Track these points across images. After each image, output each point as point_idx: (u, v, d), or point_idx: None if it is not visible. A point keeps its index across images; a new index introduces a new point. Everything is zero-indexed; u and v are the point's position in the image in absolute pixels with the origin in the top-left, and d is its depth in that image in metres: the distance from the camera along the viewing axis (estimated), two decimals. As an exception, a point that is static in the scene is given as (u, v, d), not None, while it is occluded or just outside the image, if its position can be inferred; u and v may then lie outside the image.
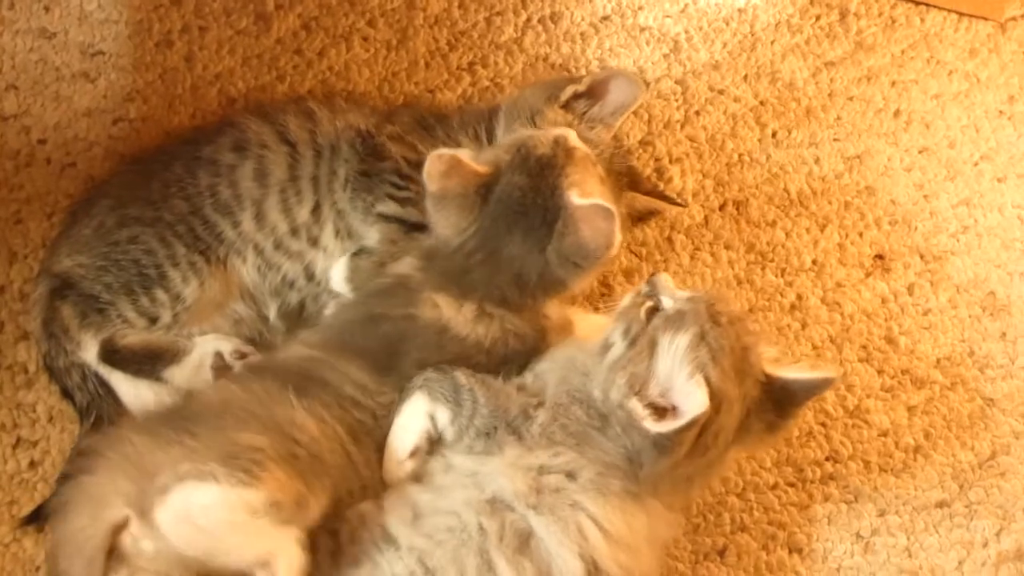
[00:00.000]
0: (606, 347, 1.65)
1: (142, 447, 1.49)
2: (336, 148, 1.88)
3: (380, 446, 1.65)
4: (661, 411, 1.57)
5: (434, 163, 1.71)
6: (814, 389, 1.68)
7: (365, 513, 1.60)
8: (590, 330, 1.79)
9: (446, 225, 1.75)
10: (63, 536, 1.50)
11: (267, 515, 1.45)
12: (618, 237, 1.67)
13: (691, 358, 1.56)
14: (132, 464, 1.48)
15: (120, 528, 1.45)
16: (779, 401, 1.64)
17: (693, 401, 1.53)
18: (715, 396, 1.54)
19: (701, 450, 1.59)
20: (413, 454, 1.65)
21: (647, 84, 2.10)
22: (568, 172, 1.71)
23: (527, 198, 1.69)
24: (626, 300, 1.69)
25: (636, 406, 1.56)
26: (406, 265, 1.79)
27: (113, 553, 1.47)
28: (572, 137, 1.74)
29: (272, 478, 1.47)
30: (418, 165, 1.80)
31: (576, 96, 1.87)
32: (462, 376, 1.66)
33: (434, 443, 1.67)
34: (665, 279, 1.67)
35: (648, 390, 1.58)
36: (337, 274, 1.84)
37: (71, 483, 1.57)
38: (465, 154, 1.71)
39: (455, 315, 1.71)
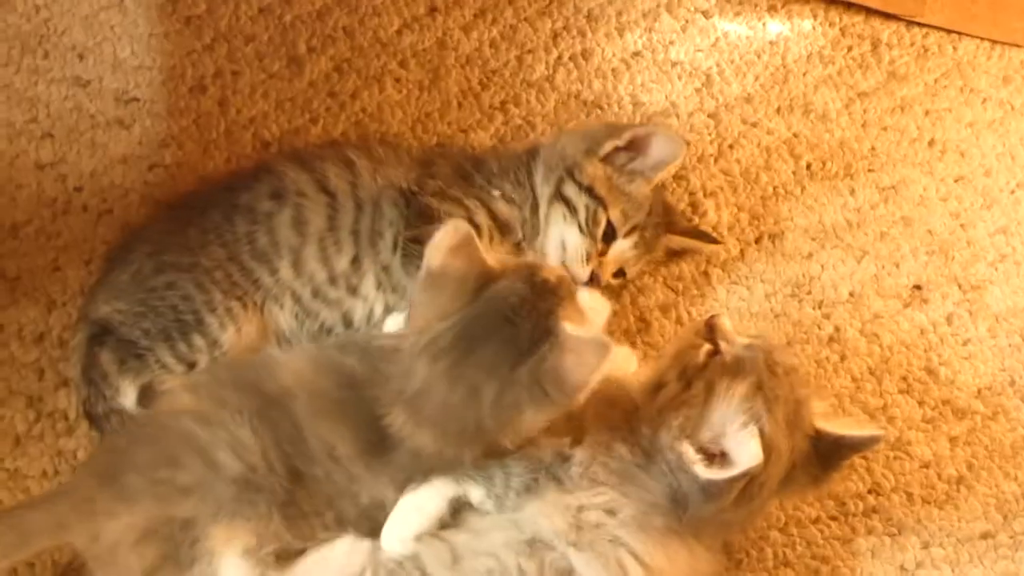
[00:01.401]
0: (659, 385, 1.63)
1: None
2: (378, 206, 1.84)
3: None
4: (711, 456, 1.54)
5: (448, 235, 1.61)
6: (861, 446, 1.68)
7: (401, 560, 1.57)
8: (620, 362, 1.75)
9: (428, 309, 1.63)
10: None
11: None
12: (598, 376, 1.54)
13: (746, 408, 1.56)
14: None
15: None
16: (825, 455, 1.63)
17: (746, 452, 1.52)
18: (767, 448, 1.52)
19: (747, 499, 1.59)
20: (416, 536, 1.61)
21: (687, 143, 2.04)
22: (566, 307, 1.61)
23: (522, 307, 1.59)
24: (679, 341, 1.68)
25: (688, 449, 1.55)
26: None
27: None
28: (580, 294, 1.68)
29: None
30: (467, 220, 1.79)
31: (616, 149, 1.83)
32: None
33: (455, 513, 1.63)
34: (725, 322, 1.65)
35: (700, 434, 1.57)
36: (392, 326, 1.81)
37: None
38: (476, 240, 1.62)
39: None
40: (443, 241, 1.60)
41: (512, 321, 1.58)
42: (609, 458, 1.62)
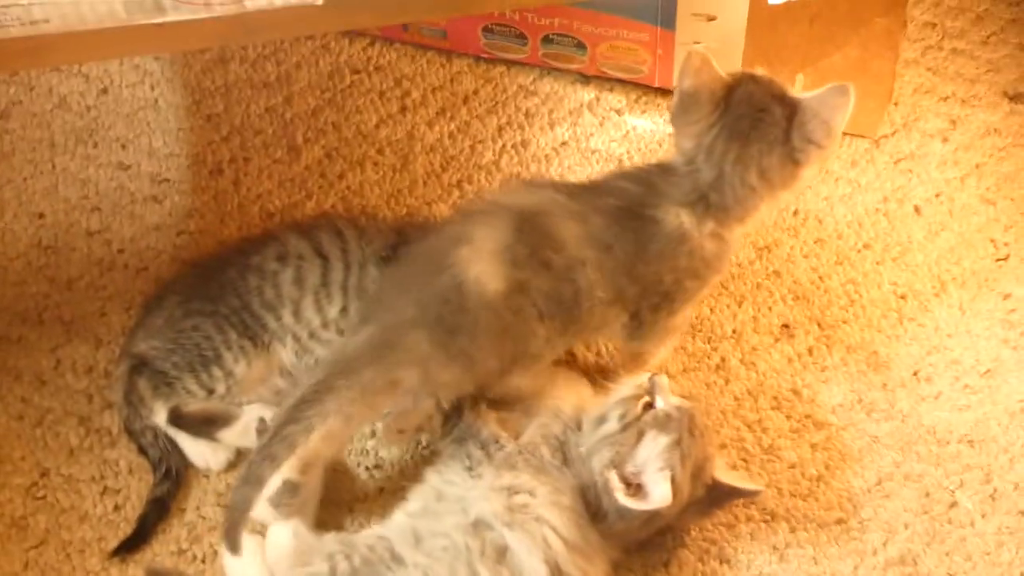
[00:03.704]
0: (601, 420, 1.73)
1: None
2: (364, 267, 1.92)
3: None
4: (630, 485, 1.66)
5: (691, 59, 1.66)
6: (745, 495, 1.82)
7: (372, 543, 1.68)
8: (571, 392, 1.88)
9: (690, 126, 1.70)
10: None
11: None
12: (849, 112, 1.63)
13: (666, 457, 1.67)
14: None
15: None
16: (717, 498, 1.77)
17: (659, 491, 1.65)
18: (673, 491, 1.65)
19: (648, 524, 1.73)
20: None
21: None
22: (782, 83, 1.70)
23: (764, 97, 1.68)
24: (626, 389, 1.76)
25: (614, 478, 1.66)
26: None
27: None
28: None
29: None
30: None
31: None
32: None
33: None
34: (664, 381, 1.75)
35: (625, 467, 1.68)
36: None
37: None
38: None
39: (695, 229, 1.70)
40: (689, 65, 1.68)
41: (765, 108, 1.68)
42: (531, 455, 1.74)
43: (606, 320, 1.80)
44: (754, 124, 1.67)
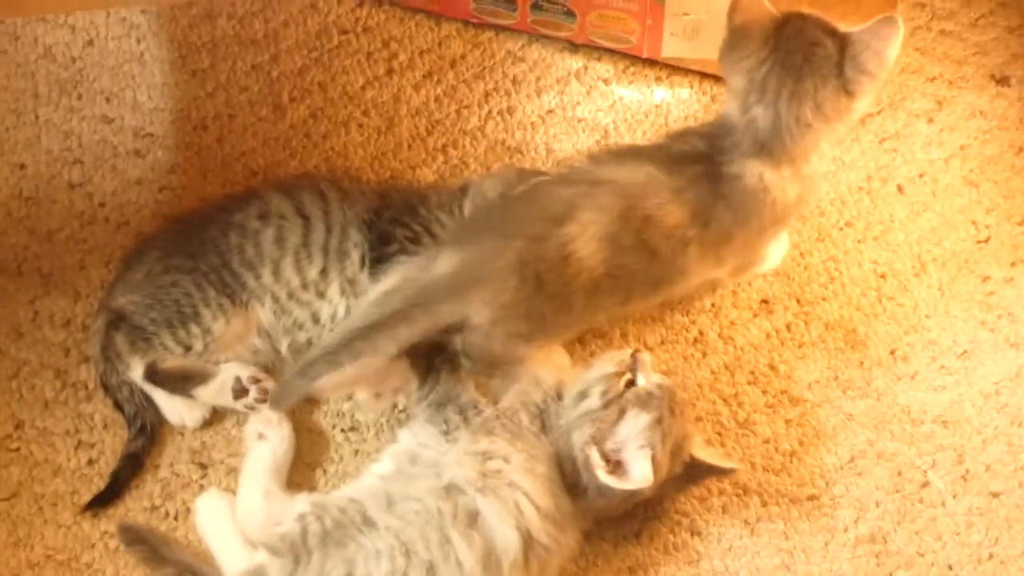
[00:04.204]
0: (583, 396, 1.74)
1: None
2: (345, 230, 1.92)
3: None
4: (610, 461, 1.66)
5: None
6: (721, 472, 1.82)
7: (344, 505, 1.68)
8: (550, 361, 1.87)
9: (741, 62, 1.72)
10: None
11: None
12: (900, 43, 1.65)
13: (647, 435, 1.67)
14: None
15: None
16: (693, 474, 1.78)
17: (639, 469, 1.65)
18: (654, 469, 1.65)
19: (627, 500, 1.73)
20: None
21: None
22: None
23: (815, 31, 1.69)
24: (609, 365, 1.76)
25: (595, 455, 1.66)
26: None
27: None
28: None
29: None
30: (415, 241, 1.89)
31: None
32: (438, 358, 1.76)
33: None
34: (646, 358, 1.75)
35: (606, 443, 1.68)
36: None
37: None
38: None
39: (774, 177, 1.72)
40: (741, 2, 1.71)
41: (817, 42, 1.69)
42: (509, 420, 1.73)
43: (698, 281, 1.87)
44: (807, 58, 1.68)
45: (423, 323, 1.68)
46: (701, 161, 1.73)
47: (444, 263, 1.71)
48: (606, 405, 1.70)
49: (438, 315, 1.68)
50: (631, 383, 1.73)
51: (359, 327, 1.69)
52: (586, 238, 1.67)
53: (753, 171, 1.71)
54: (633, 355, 1.75)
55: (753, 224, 1.76)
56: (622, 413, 1.68)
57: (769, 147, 1.71)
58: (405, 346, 1.73)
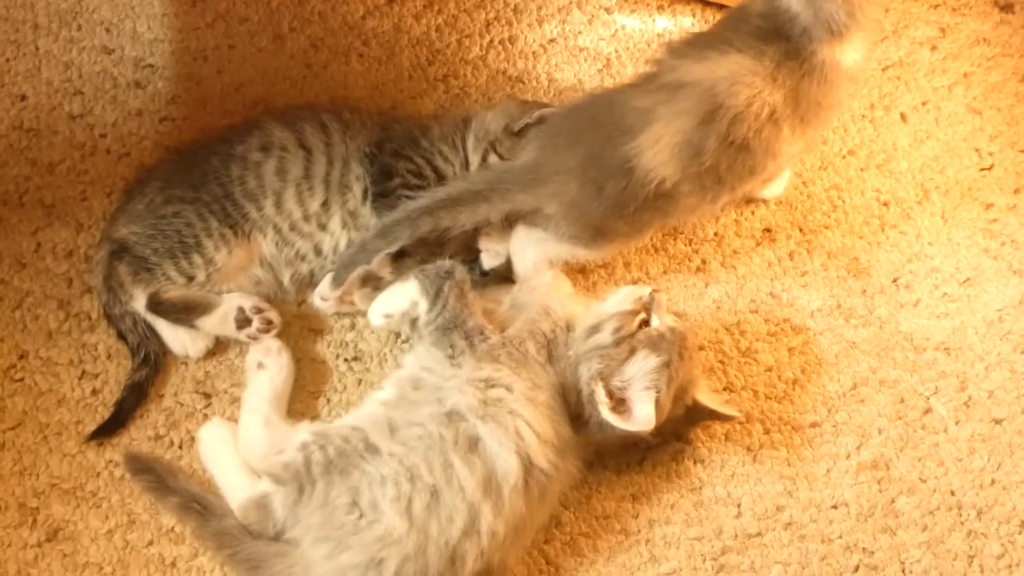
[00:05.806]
0: (595, 330, 1.70)
1: None
2: (347, 163, 1.89)
3: None
4: (615, 398, 1.64)
5: None
6: (722, 417, 1.80)
7: (347, 434, 1.65)
8: (561, 287, 1.85)
9: None
10: None
11: None
12: None
13: (653, 377, 1.64)
14: None
15: None
16: (694, 416, 1.77)
17: (643, 411, 1.63)
18: (657, 411, 1.63)
19: (626, 438, 1.70)
20: (387, 316, 1.77)
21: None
22: None
23: None
24: (624, 301, 1.73)
25: (600, 391, 1.64)
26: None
27: None
28: None
29: None
30: (417, 174, 1.87)
31: (527, 125, 1.87)
32: (449, 282, 1.73)
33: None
34: (663, 299, 1.73)
35: (613, 380, 1.65)
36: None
37: None
38: None
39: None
40: None
41: None
42: (515, 348, 1.70)
43: (786, 164, 1.87)
44: None
45: (500, 206, 1.73)
46: (778, 39, 1.67)
47: (527, 154, 1.77)
48: (617, 343, 1.67)
49: (514, 201, 1.73)
50: (645, 323, 1.70)
51: (443, 198, 1.72)
52: (657, 149, 1.66)
53: (824, 48, 1.66)
54: (651, 294, 1.72)
55: (829, 98, 1.71)
56: (632, 352, 1.66)
57: (828, 23, 1.65)
58: (484, 223, 1.78)
